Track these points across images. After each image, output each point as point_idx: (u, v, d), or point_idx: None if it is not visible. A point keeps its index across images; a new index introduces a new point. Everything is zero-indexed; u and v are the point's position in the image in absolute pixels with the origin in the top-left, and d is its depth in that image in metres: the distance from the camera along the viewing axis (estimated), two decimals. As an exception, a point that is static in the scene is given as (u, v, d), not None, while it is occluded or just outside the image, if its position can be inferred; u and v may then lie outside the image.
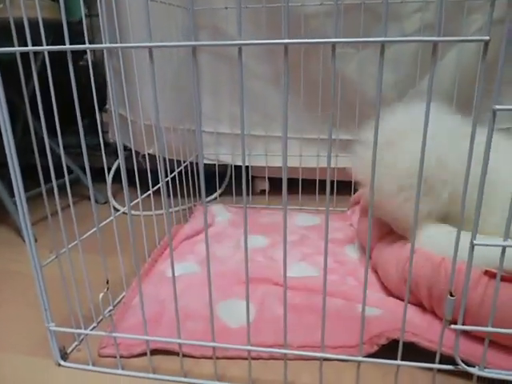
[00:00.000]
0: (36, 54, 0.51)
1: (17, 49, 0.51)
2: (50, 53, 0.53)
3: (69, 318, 0.62)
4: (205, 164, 1.24)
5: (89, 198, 0.58)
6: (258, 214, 1.16)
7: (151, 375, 0.59)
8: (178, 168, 1.06)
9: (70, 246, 0.61)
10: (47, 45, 0.51)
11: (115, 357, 0.61)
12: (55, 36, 0.84)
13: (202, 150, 1.23)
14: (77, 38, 0.69)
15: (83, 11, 0.95)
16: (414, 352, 0.54)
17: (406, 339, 0.57)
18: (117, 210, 1.16)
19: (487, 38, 0.40)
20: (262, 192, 1.28)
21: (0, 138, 0.53)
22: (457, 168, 0.64)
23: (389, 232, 0.78)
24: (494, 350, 0.57)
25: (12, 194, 0.56)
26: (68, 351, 0.64)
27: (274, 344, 0.62)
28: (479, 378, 0.51)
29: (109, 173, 1.24)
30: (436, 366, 0.51)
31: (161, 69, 1.05)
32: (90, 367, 0.61)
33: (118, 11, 0.86)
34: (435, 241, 0.66)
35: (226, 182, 1.33)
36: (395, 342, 0.56)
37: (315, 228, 1.05)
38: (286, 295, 0.50)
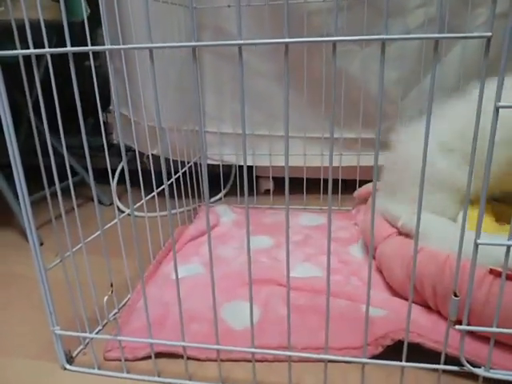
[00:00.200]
0: (39, 55, 0.51)
1: (19, 52, 0.51)
2: (53, 54, 0.53)
3: (74, 322, 0.63)
4: (209, 164, 1.24)
5: (94, 200, 0.58)
6: (263, 214, 1.16)
7: (156, 378, 0.59)
8: (182, 169, 1.06)
9: (74, 249, 0.61)
10: (51, 45, 0.51)
11: (120, 360, 0.61)
12: (59, 36, 0.84)
13: (205, 151, 1.24)
14: (80, 38, 0.69)
15: (85, 12, 0.96)
16: (419, 352, 0.54)
17: (411, 340, 0.56)
18: (122, 211, 1.17)
19: (489, 34, 0.39)
20: (267, 192, 1.28)
21: (3, 139, 0.54)
22: None
23: (393, 231, 0.77)
24: (500, 350, 0.56)
25: (18, 196, 0.56)
26: (73, 355, 0.65)
27: (278, 346, 0.62)
28: (485, 378, 0.51)
29: (113, 174, 1.25)
30: (441, 366, 0.51)
31: (163, 69, 1.05)
32: (96, 371, 0.61)
33: (119, 11, 0.86)
34: (440, 237, 0.66)
35: (230, 182, 1.33)
36: (400, 343, 0.55)
37: (319, 228, 1.05)
38: (289, 297, 0.50)
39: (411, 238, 0.71)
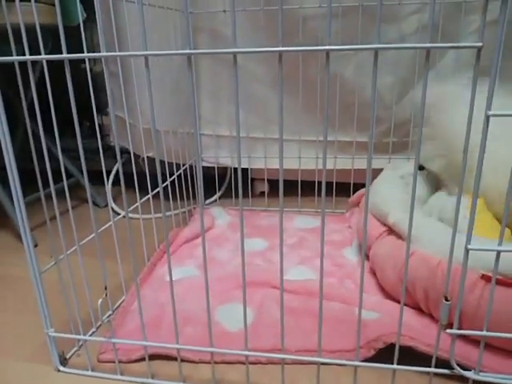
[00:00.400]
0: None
1: (15, 58, 0.51)
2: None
3: (68, 324, 0.63)
4: (204, 167, 1.25)
5: (89, 202, 0.58)
6: (257, 216, 1.17)
7: (150, 380, 0.60)
8: (177, 171, 1.06)
9: (68, 252, 0.62)
10: (47, 49, 0.51)
11: (114, 362, 0.61)
12: (55, 40, 0.84)
13: (199, 154, 1.24)
14: (76, 45, 0.69)
15: (81, 16, 0.96)
16: (411, 355, 0.55)
17: (403, 343, 0.57)
18: (117, 213, 1.17)
19: (480, 44, 0.40)
20: (262, 194, 1.29)
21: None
22: None
23: (386, 231, 0.78)
24: (490, 353, 0.57)
25: (12, 198, 0.57)
26: (67, 357, 0.65)
27: (272, 348, 0.63)
28: (475, 381, 0.52)
29: (108, 176, 1.25)
30: (432, 369, 0.51)
31: (159, 73, 1.05)
32: (90, 373, 0.62)
33: (115, 15, 0.86)
34: (432, 241, 0.66)
35: (225, 184, 1.34)
36: (392, 345, 0.56)
37: (314, 230, 1.05)
38: (283, 299, 0.51)
39: (403, 239, 0.72)
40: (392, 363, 0.52)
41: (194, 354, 0.63)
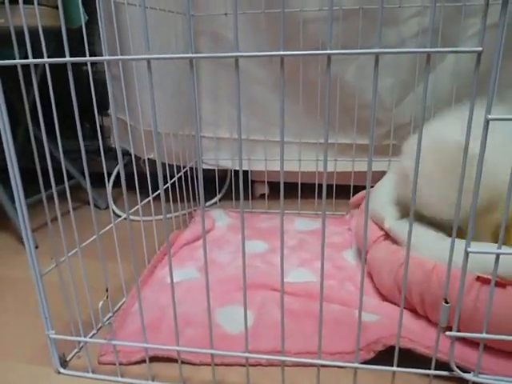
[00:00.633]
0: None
1: (18, 61, 0.52)
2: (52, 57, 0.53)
3: (69, 325, 0.63)
4: (205, 169, 1.25)
5: (90, 204, 0.58)
6: (258, 218, 1.17)
7: (151, 382, 0.60)
8: (178, 173, 1.06)
9: (69, 254, 0.62)
10: (49, 51, 0.51)
11: (115, 364, 0.61)
12: (57, 42, 0.85)
13: (200, 156, 1.25)
14: (78, 45, 0.69)
15: (83, 19, 0.96)
16: (410, 358, 0.55)
17: (403, 345, 0.57)
18: (117, 215, 1.17)
19: (480, 49, 0.40)
20: (262, 196, 1.29)
21: (0, 143, 0.54)
22: None
23: (383, 235, 0.78)
24: (489, 355, 0.57)
25: (13, 200, 0.57)
26: (68, 359, 0.65)
27: (272, 350, 0.63)
28: (474, 383, 0.52)
29: (109, 178, 1.25)
30: (432, 372, 0.52)
31: (160, 75, 1.06)
32: (90, 375, 0.62)
33: (117, 18, 0.87)
34: (427, 246, 0.66)
35: (225, 186, 1.34)
36: (391, 347, 0.56)
37: (314, 232, 1.06)
38: (283, 302, 0.51)
39: (398, 244, 0.72)
40: (391, 365, 0.52)
41: (195, 356, 0.63)
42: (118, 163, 0.51)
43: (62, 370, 0.63)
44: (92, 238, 0.64)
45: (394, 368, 0.52)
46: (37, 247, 0.84)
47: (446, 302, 0.48)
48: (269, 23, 1.09)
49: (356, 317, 0.62)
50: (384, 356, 0.58)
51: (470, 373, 0.52)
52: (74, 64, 0.51)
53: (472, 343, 0.58)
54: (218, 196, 1.32)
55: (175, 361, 0.60)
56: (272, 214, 1.21)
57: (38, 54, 0.52)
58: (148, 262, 0.89)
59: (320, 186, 1.17)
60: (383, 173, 0.98)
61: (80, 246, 0.64)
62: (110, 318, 0.62)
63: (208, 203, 1.30)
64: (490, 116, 0.42)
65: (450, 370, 0.52)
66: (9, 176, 0.55)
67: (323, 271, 0.49)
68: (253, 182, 1.32)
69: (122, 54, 0.91)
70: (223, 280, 0.82)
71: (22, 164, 0.56)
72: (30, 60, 0.51)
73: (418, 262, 0.64)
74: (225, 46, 1.14)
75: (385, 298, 0.74)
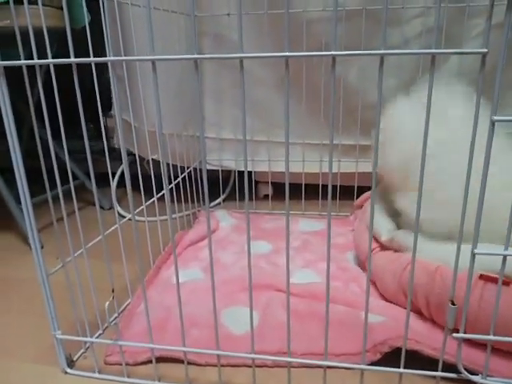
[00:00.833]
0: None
1: (22, 62, 0.52)
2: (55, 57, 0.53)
3: (75, 326, 0.63)
4: (209, 170, 1.25)
5: (94, 204, 0.58)
6: (262, 219, 1.17)
7: (157, 383, 0.60)
8: (182, 174, 1.06)
9: (75, 254, 0.62)
10: (52, 51, 0.52)
11: (121, 364, 0.61)
12: (60, 43, 0.85)
13: (205, 157, 1.25)
14: (80, 44, 0.69)
15: (86, 19, 0.96)
16: (416, 359, 0.55)
17: (410, 347, 0.57)
18: (122, 216, 1.17)
19: (485, 50, 0.40)
20: (266, 197, 1.29)
21: (6, 143, 0.54)
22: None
23: (379, 246, 0.79)
24: (497, 357, 0.57)
25: (19, 201, 0.57)
26: (74, 359, 0.65)
27: (278, 351, 0.63)
28: (482, 385, 0.52)
29: (113, 178, 1.25)
30: (439, 373, 0.52)
31: (164, 75, 1.06)
32: (96, 375, 0.62)
33: (121, 19, 0.87)
34: (431, 250, 0.66)
35: (229, 187, 1.34)
36: (398, 349, 0.56)
37: (318, 233, 1.05)
38: (289, 303, 0.51)
39: (402, 251, 0.72)
40: (398, 367, 0.52)
41: (200, 357, 0.63)
42: (120, 164, 0.51)
43: (68, 370, 0.63)
44: (98, 239, 0.64)
45: (401, 370, 0.52)
46: (42, 247, 0.84)
47: (453, 304, 0.48)
48: (271, 24, 1.09)
49: (361, 318, 0.62)
50: (390, 357, 0.58)
51: (477, 375, 0.52)
52: (77, 64, 0.51)
53: (478, 344, 0.58)
54: (222, 197, 1.32)
55: (181, 361, 0.60)
56: (276, 215, 1.21)
57: (41, 54, 0.52)
58: (153, 263, 0.89)
59: (324, 186, 1.17)
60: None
61: (85, 246, 0.64)
62: (116, 318, 0.63)
63: (212, 204, 1.30)
64: (495, 117, 0.42)
65: (457, 371, 0.52)
66: (13, 176, 0.55)
67: (329, 272, 0.49)
68: (256, 182, 1.32)
69: (125, 55, 0.92)
70: (227, 281, 0.82)
71: (24, 162, 0.56)
72: (35, 61, 0.51)
73: (422, 264, 0.64)
74: (227, 47, 1.14)
75: (390, 302, 0.73)
